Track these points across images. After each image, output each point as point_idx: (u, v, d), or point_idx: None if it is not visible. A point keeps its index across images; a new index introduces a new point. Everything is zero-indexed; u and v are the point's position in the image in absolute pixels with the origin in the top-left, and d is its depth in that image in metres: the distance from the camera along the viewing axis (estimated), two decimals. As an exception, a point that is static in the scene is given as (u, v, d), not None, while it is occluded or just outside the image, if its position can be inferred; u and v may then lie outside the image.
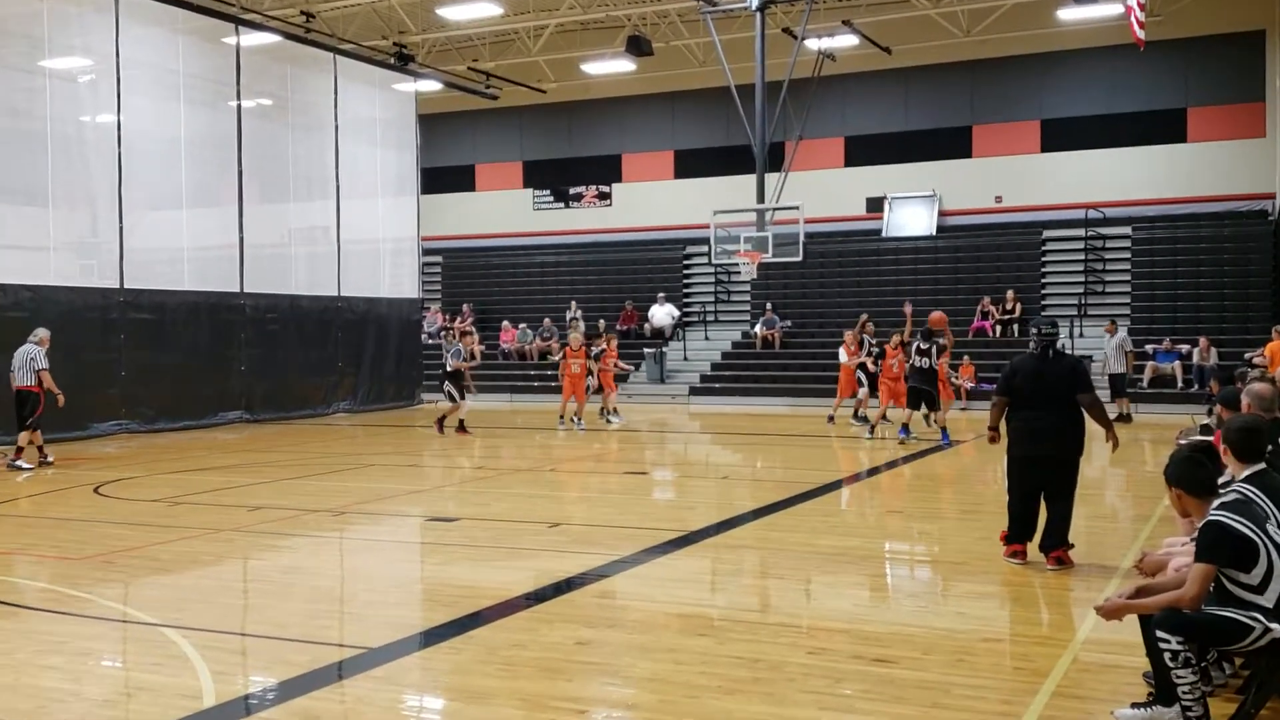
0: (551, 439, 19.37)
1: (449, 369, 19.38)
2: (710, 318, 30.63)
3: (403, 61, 27.39)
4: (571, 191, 34.31)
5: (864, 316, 21.22)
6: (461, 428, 19.31)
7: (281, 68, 23.85)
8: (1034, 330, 8.69)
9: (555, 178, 34.50)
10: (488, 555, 9.24)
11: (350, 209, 25.13)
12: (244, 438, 19.79)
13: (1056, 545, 8.37)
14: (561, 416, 20.85)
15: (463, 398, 19.36)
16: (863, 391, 20.22)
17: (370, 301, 25.85)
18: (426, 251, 30.23)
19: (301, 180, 24.39)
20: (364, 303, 25.64)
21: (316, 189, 24.72)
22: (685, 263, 32.07)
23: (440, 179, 34.07)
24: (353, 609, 7.77)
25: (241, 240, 22.35)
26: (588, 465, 16.03)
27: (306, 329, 24.06)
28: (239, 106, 22.40)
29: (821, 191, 29.30)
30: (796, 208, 24.00)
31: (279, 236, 24.25)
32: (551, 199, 34.61)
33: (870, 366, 20.05)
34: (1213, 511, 5.11)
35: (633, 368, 23.77)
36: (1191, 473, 5.42)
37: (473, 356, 20.45)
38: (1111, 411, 20.82)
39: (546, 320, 30.50)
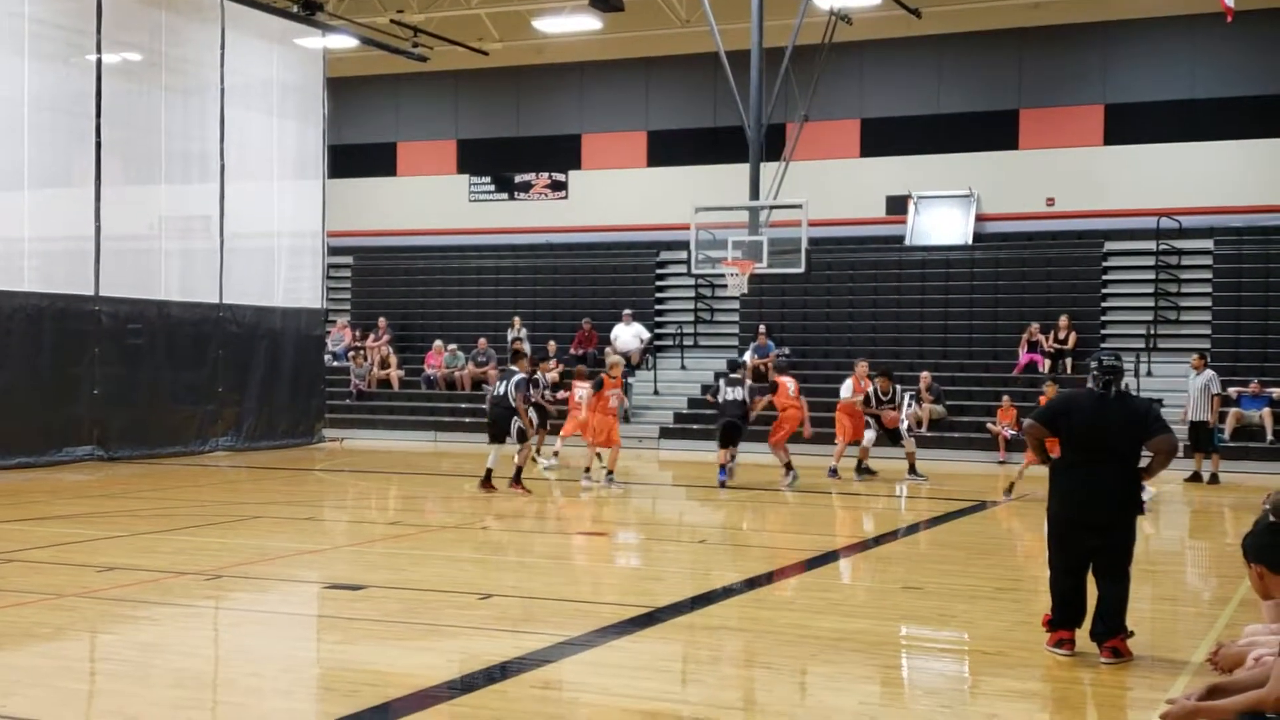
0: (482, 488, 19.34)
1: (514, 401, 17.62)
2: (689, 342, 30.73)
3: (308, 10, 27.42)
4: (518, 180, 34.39)
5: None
6: (487, 482, 17.94)
7: (154, 14, 23.80)
8: (1093, 364, 8.78)
9: (498, 162, 34.57)
10: (401, 633, 9.23)
11: (238, 195, 25.07)
12: (96, 480, 19.58)
13: (1111, 633, 8.45)
14: (588, 469, 19.70)
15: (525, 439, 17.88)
16: (869, 435, 20.65)
17: (261, 312, 25.76)
18: (334, 250, 30.18)
19: (177, 157, 24.31)
20: (253, 313, 25.55)
21: (195, 169, 24.65)
22: (658, 272, 32.18)
23: (353, 160, 34.08)
24: (229, 698, 7.72)
25: (98, 231, 22.23)
26: (531, 524, 16.01)
27: (179, 344, 23.93)
28: (99, 62, 22.33)
29: (831, 187, 29.52)
30: (799, 206, 24.17)
31: (146, 227, 24.13)
32: (492, 189, 34.68)
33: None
34: (1301, 592, 5.20)
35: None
36: (1275, 544, 5.52)
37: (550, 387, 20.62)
38: (1181, 470, 21.06)
39: (482, 341, 30.50)
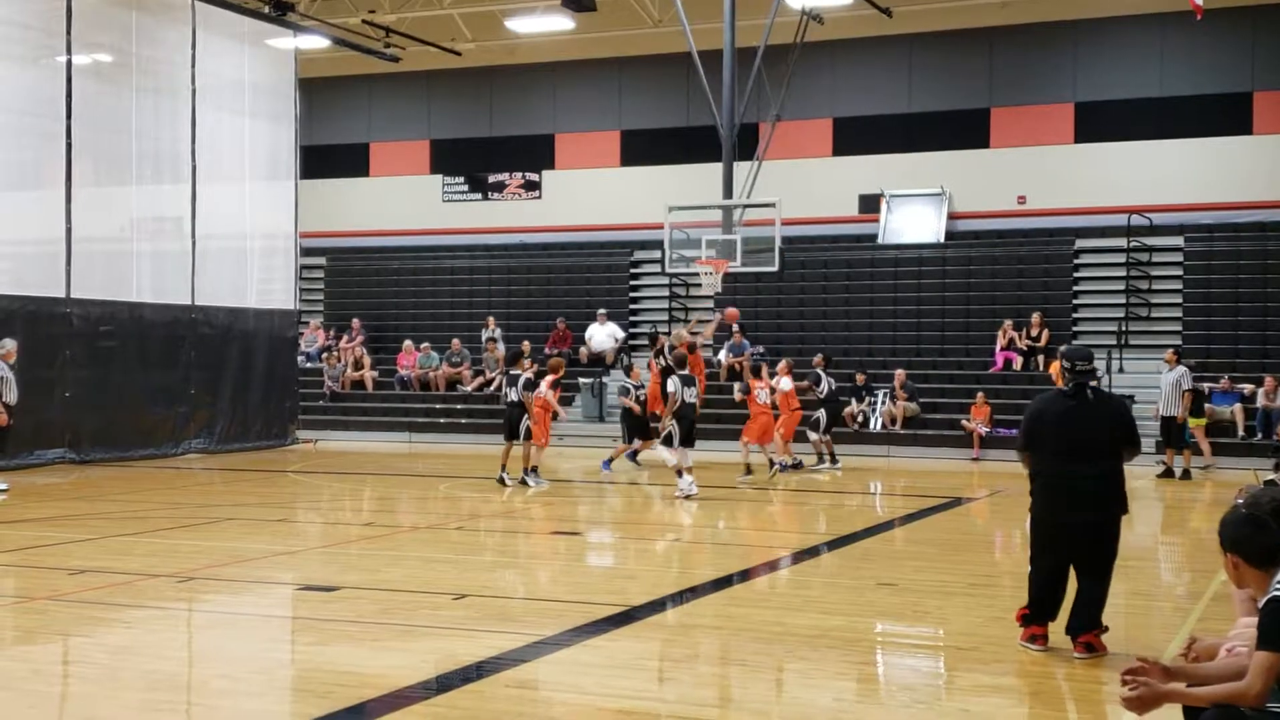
0: (459, 489, 19.27)
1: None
2: (663, 341, 30.70)
3: (280, 10, 27.33)
4: (491, 180, 34.34)
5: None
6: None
7: (125, 15, 23.70)
8: (1065, 365, 8.78)
9: (471, 162, 34.52)
10: (375, 634, 9.19)
11: (210, 196, 24.96)
12: (67, 483, 19.49)
13: (1086, 628, 8.46)
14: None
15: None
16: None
17: (234, 313, 25.66)
18: (306, 251, 30.09)
19: (148, 159, 24.20)
20: (226, 314, 25.45)
21: (167, 170, 24.53)
22: (632, 271, 32.18)
23: (326, 161, 33.97)
24: (202, 700, 7.67)
25: (69, 233, 22.09)
26: (505, 523, 15.98)
27: (151, 346, 23.81)
28: (69, 63, 22.19)
29: (803, 186, 29.56)
30: (772, 205, 24.21)
31: (118, 229, 24.03)
32: (466, 189, 34.62)
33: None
34: (1278, 586, 5.17)
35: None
36: (1251, 536, 5.47)
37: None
38: (1153, 466, 21.20)
39: (455, 341, 30.45)
